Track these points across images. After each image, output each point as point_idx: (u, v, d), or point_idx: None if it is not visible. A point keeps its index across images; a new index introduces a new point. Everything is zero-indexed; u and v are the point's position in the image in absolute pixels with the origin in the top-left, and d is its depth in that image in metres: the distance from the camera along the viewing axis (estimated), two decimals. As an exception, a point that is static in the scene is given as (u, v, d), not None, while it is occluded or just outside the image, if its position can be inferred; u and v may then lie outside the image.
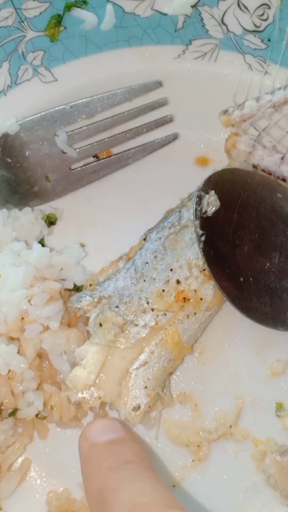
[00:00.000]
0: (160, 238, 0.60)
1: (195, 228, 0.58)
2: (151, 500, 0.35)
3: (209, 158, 0.66)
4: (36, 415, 0.55)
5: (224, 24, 0.61)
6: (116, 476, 0.40)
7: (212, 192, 0.59)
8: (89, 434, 0.45)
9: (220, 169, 0.60)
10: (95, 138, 0.63)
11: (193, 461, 0.57)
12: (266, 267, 0.57)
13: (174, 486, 0.57)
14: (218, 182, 0.59)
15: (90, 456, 0.43)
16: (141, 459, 0.43)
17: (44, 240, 0.62)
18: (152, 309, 0.56)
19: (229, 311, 0.58)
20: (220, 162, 0.65)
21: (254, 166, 0.62)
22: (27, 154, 0.61)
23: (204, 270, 0.57)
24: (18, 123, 0.60)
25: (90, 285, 0.59)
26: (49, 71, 0.62)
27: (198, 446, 0.57)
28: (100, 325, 0.56)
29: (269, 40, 0.61)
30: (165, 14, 0.60)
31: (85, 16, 0.60)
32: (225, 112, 0.60)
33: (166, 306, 0.56)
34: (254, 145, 0.60)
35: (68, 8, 0.59)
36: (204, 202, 0.59)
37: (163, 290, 0.57)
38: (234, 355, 0.60)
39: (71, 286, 0.59)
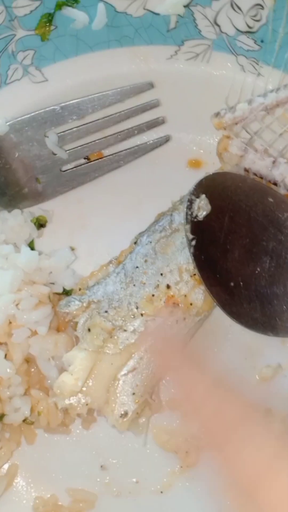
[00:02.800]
0: (150, 242, 0.60)
1: (186, 233, 0.58)
2: None
3: (201, 160, 0.65)
4: (24, 421, 0.55)
5: (217, 24, 0.60)
6: None
7: (203, 196, 0.58)
8: None
9: (211, 173, 0.60)
10: (86, 139, 0.62)
11: (181, 467, 0.57)
12: (256, 272, 0.57)
13: (162, 492, 0.57)
14: (210, 186, 0.59)
15: None
16: None
17: (33, 243, 0.62)
18: (142, 314, 0.56)
19: (219, 316, 0.57)
20: (213, 165, 0.64)
21: (246, 170, 0.61)
22: (16, 155, 0.60)
23: (195, 274, 0.57)
24: (8, 123, 0.59)
25: (80, 289, 0.58)
26: (40, 71, 0.61)
27: (187, 452, 0.57)
28: (89, 330, 0.55)
29: (262, 41, 0.60)
30: (158, 14, 0.59)
31: (76, 15, 0.59)
32: (217, 114, 0.60)
33: (155, 311, 0.56)
34: (246, 148, 0.60)
35: (59, 6, 0.58)
36: (195, 206, 0.58)
37: (153, 295, 0.56)
38: (223, 360, 0.59)
39: (60, 290, 0.59)
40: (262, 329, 0.57)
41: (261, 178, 0.61)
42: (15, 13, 0.58)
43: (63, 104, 0.60)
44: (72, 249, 0.62)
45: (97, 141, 0.62)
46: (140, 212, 0.63)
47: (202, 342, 0.60)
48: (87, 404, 0.53)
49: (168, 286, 0.57)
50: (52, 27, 0.59)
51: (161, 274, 0.57)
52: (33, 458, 0.57)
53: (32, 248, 0.60)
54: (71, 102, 0.60)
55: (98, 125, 0.61)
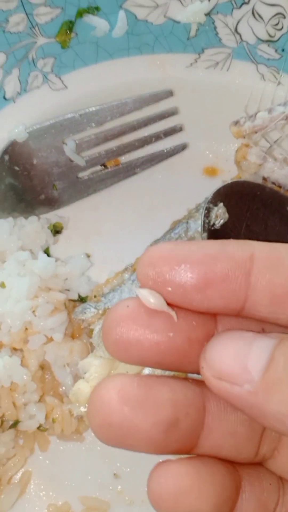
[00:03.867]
0: (166, 250, 0.59)
1: (203, 241, 0.57)
2: None
3: (217, 168, 0.65)
4: (38, 428, 0.55)
5: (237, 33, 0.59)
6: None
7: (221, 204, 0.58)
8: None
9: (229, 181, 0.59)
10: (103, 147, 0.62)
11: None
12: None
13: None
14: (228, 194, 0.58)
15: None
16: None
17: (49, 250, 0.62)
18: (157, 323, 0.55)
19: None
20: (229, 173, 0.64)
21: (264, 179, 0.61)
22: (34, 162, 0.60)
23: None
24: (27, 131, 0.59)
25: (95, 296, 0.58)
26: (59, 78, 0.61)
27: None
28: (104, 338, 0.55)
29: (283, 50, 0.59)
30: (178, 22, 0.59)
31: (97, 22, 0.59)
32: (236, 123, 0.59)
33: (171, 320, 0.55)
34: (265, 157, 0.59)
35: (80, 14, 0.58)
36: (213, 214, 0.58)
37: (169, 304, 0.56)
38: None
39: (76, 297, 0.59)
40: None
41: (280, 187, 0.60)
42: (36, 21, 0.58)
43: (82, 112, 0.60)
44: (88, 255, 0.62)
45: (114, 148, 0.62)
46: (156, 219, 0.63)
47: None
48: (102, 413, 0.52)
49: (184, 295, 0.56)
50: (73, 35, 0.59)
51: (177, 283, 0.57)
52: (46, 465, 0.56)
53: (48, 255, 0.60)
54: (90, 109, 0.60)
55: (115, 132, 0.61)
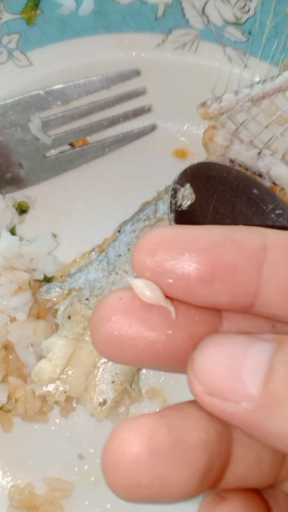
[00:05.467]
0: (134, 231, 0.59)
1: (170, 222, 0.57)
2: None
3: (187, 150, 0.65)
4: (0, 408, 0.54)
5: (205, 14, 0.60)
6: None
7: (188, 185, 0.58)
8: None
9: (196, 163, 0.59)
10: (71, 125, 0.61)
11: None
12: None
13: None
14: (194, 176, 0.58)
15: None
16: None
17: (15, 229, 0.61)
18: (123, 302, 0.55)
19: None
20: (199, 155, 0.64)
21: (231, 161, 0.61)
22: (-1, 140, 0.59)
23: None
24: (-9, 107, 0.58)
25: (61, 276, 0.58)
26: (25, 55, 0.60)
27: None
28: (69, 317, 0.54)
29: (249, 33, 0.60)
30: (146, 2, 0.59)
31: (63, 0, 0.58)
32: (203, 104, 0.59)
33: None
34: (231, 139, 0.60)
35: (45, -9, 0.57)
36: (179, 195, 0.58)
37: (135, 283, 0.56)
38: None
39: (41, 277, 0.58)
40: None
41: (246, 169, 0.61)
42: (1, -5, 0.57)
43: (47, 89, 0.59)
44: (54, 236, 0.61)
45: (82, 127, 0.62)
46: (125, 200, 0.62)
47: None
48: (65, 392, 0.52)
49: (150, 275, 0.56)
50: (39, 12, 0.58)
51: (144, 263, 0.57)
52: (10, 446, 0.56)
53: (13, 234, 0.59)
54: (56, 87, 0.59)
55: (83, 111, 0.61)
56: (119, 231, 0.60)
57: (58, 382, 0.52)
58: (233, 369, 0.20)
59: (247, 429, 0.21)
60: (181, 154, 0.65)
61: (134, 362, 0.23)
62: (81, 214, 0.62)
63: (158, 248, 0.22)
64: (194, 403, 0.22)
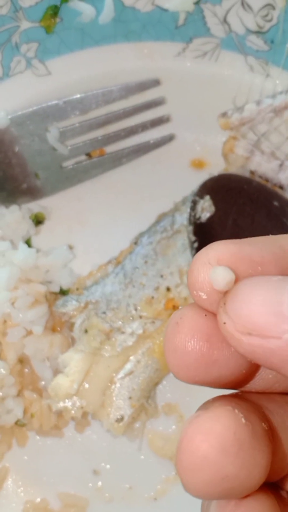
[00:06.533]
0: (151, 243, 0.58)
1: (188, 234, 0.56)
2: None
3: (205, 161, 0.64)
4: (16, 423, 0.53)
5: (226, 23, 0.58)
6: None
7: (207, 197, 0.57)
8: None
9: (216, 174, 0.58)
10: (88, 135, 0.60)
11: (176, 474, 0.56)
12: (259, 277, 0.56)
13: (155, 499, 0.56)
14: (214, 188, 0.57)
15: None
16: None
17: (30, 240, 0.60)
18: (140, 317, 0.54)
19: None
20: (216, 166, 0.63)
21: (252, 172, 0.60)
22: (16, 150, 0.58)
23: (196, 278, 0.55)
24: (9, 117, 0.58)
25: (77, 289, 0.57)
26: (43, 63, 0.59)
27: (182, 459, 0.55)
28: (86, 331, 0.54)
29: (272, 42, 0.58)
30: (166, 10, 0.58)
31: (83, 8, 0.57)
32: (224, 114, 0.58)
33: (154, 313, 0.54)
34: (252, 150, 0.59)
35: (65, -1, 0.57)
36: (199, 207, 0.57)
37: (152, 297, 0.55)
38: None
39: (57, 289, 0.57)
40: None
41: (267, 181, 0.59)
42: (20, 4, 0.56)
43: (66, 99, 0.58)
44: (70, 247, 0.61)
45: (99, 137, 0.61)
46: (141, 212, 0.61)
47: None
48: (82, 407, 0.51)
49: (168, 289, 0.55)
50: (58, 20, 0.57)
51: (161, 276, 0.56)
52: (24, 461, 0.55)
53: (29, 246, 0.58)
54: (74, 97, 0.59)
55: (100, 121, 0.60)
56: (135, 243, 0.59)
57: (75, 397, 0.51)
58: (273, 305, 0.20)
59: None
60: (198, 164, 0.64)
61: (217, 384, 0.23)
62: (97, 225, 0.62)
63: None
64: (228, 397, 0.22)
